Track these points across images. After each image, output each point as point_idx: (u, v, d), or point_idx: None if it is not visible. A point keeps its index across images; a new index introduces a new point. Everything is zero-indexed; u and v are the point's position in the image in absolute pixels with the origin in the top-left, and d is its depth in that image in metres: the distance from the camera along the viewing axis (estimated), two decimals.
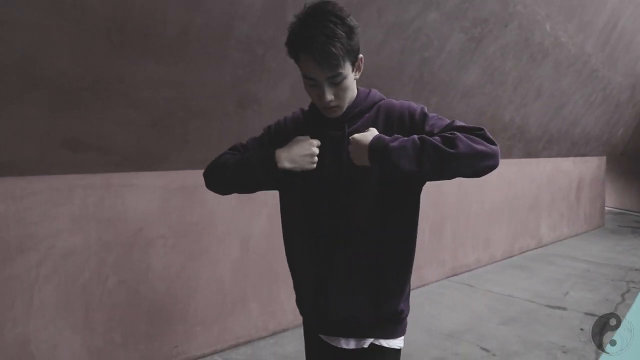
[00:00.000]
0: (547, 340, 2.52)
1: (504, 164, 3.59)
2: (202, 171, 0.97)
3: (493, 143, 0.80)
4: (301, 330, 1.08)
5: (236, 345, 2.34)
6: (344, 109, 0.89)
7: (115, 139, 1.77)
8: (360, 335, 0.95)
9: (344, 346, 0.96)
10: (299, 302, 1.03)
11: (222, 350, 2.28)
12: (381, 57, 2.44)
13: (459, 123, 0.84)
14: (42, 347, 1.74)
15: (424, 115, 0.88)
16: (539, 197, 5.16)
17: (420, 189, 0.94)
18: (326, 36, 0.76)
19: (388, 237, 0.90)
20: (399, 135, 0.81)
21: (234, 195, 1.17)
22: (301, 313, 1.05)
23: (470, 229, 4.04)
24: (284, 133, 0.95)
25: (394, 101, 0.94)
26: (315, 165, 0.86)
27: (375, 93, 0.95)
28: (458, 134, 0.78)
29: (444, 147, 0.76)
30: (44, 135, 1.59)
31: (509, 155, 4.33)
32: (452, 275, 3.79)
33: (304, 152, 0.85)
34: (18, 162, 1.62)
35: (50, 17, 1.34)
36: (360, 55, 0.86)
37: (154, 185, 2.03)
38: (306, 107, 0.98)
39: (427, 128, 0.85)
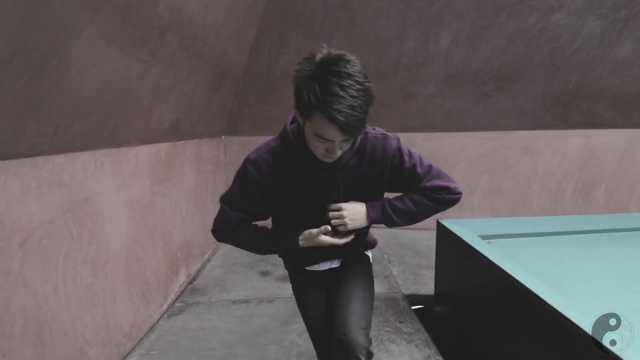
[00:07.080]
0: None
1: None
2: None
3: (455, 192, 0.99)
4: None
5: None
6: None
7: None
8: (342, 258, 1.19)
9: (329, 267, 1.19)
10: (291, 263, 1.24)
11: None
12: (506, 55, 3.49)
13: (428, 184, 0.99)
14: None
15: (401, 157, 0.98)
16: None
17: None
18: (352, 107, 0.76)
19: None
20: (382, 202, 1.02)
21: None
22: (290, 267, 1.26)
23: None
24: (267, 173, 0.97)
25: (373, 140, 0.98)
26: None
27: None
28: (427, 201, 0.99)
29: (411, 209, 1.00)
30: None
31: None
32: None
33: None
34: None
35: None
36: None
37: None
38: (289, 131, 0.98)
39: (405, 174, 1.00)
